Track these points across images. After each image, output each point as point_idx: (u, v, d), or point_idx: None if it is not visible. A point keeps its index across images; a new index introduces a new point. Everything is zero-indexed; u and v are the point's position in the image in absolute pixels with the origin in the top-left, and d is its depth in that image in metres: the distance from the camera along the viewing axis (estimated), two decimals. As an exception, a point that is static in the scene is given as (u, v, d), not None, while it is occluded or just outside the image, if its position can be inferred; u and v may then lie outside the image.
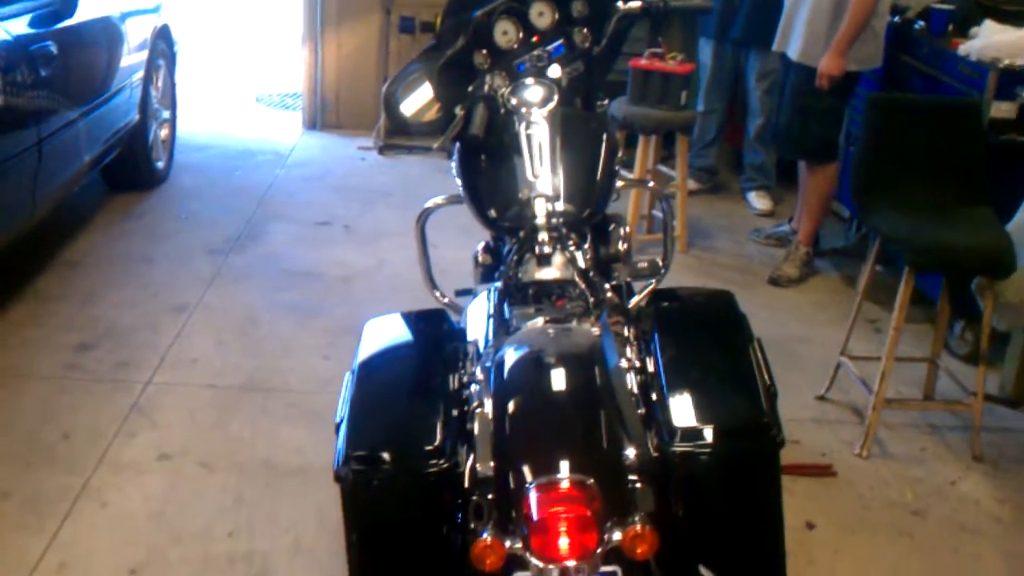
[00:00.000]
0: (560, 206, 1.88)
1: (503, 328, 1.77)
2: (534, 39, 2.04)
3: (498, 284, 1.89)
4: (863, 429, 3.16)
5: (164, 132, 5.09)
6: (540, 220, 1.84)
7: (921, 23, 4.32)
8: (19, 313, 3.66)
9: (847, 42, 3.94)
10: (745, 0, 4.88)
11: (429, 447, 1.51)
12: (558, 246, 1.85)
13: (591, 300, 1.80)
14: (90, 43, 4.12)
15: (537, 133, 1.89)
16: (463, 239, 2.28)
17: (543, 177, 1.87)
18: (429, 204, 2.25)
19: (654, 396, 1.62)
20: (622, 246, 2.03)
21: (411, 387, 1.69)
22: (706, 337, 1.81)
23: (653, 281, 2.11)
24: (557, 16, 2.05)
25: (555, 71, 2.03)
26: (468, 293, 2.17)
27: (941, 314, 3.35)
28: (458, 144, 2.05)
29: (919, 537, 2.80)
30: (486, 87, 1.98)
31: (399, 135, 5.69)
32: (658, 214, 4.56)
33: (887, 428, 3.25)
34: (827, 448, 3.15)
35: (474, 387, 1.62)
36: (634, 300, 2.02)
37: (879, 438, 3.19)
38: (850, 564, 2.68)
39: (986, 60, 3.72)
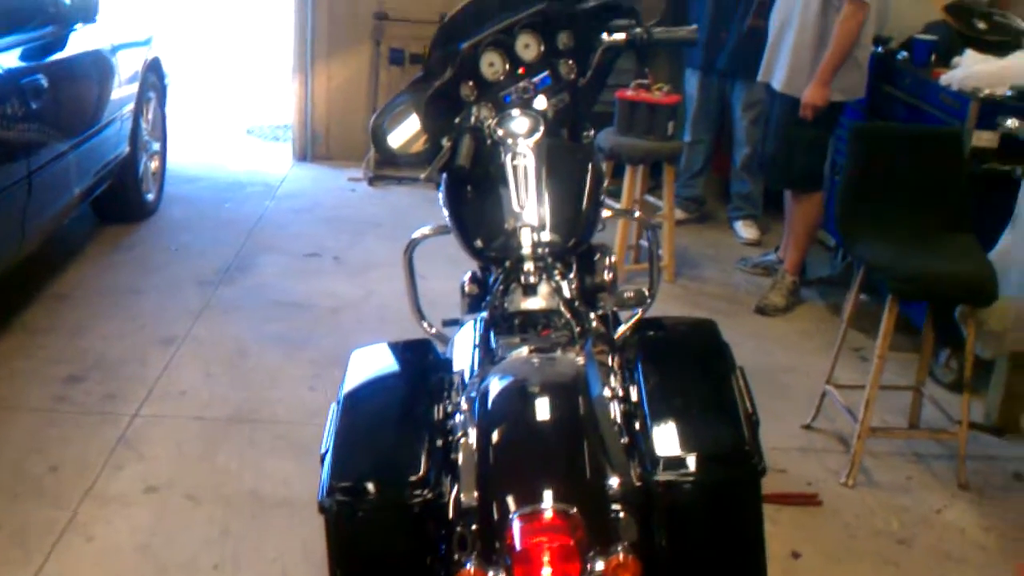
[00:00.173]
0: (546, 236, 1.88)
1: (488, 358, 1.77)
2: (520, 71, 2.06)
3: (484, 314, 1.89)
4: (849, 458, 3.17)
5: (154, 164, 5.11)
6: (526, 250, 1.84)
7: (904, 53, 4.38)
8: (8, 345, 3.66)
9: (830, 71, 3.98)
10: (731, 32, 4.95)
11: (413, 478, 1.51)
12: (544, 276, 1.86)
13: (576, 329, 1.80)
14: (81, 76, 4.15)
15: (523, 164, 1.90)
16: (451, 269, 2.29)
17: (529, 207, 1.88)
18: (416, 234, 2.25)
19: (637, 425, 1.63)
20: (608, 275, 2.03)
21: (396, 418, 1.69)
22: (689, 366, 1.81)
23: (640, 310, 2.12)
24: (543, 48, 2.07)
25: (541, 102, 2.04)
26: (455, 323, 2.16)
27: (926, 342, 3.37)
28: (445, 175, 2.06)
29: (905, 566, 2.80)
30: (473, 118, 2.00)
31: (389, 166, 5.73)
32: (645, 244, 4.59)
33: (872, 457, 3.26)
34: (813, 477, 3.16)
35: (459, 417, 1.62)
36: (620, 329, 2.03)
37: (865, 467, 3.19)
38: (837, 593, 2.68)
39: (967, 90, 3.77)
